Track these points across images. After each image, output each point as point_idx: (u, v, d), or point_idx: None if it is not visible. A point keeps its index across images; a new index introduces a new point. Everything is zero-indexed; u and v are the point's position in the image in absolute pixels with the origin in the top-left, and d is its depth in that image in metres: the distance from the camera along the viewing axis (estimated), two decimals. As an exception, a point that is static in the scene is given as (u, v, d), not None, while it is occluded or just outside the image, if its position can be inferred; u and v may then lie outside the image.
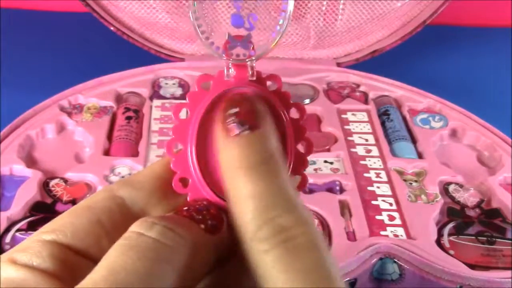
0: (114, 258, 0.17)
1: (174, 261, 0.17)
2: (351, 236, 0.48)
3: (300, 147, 0.22)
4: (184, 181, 0.21)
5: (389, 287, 0.46)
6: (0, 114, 0.65)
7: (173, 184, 0.21)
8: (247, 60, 0.21)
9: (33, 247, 0.18)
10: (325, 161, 0.57)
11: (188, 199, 0.21)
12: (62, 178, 0.53)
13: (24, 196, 0.50)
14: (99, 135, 0.58)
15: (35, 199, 0.50)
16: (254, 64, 0.21)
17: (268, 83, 0.22)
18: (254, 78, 0.21)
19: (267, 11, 0.80)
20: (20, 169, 0.53)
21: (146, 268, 0.16)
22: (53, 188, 0.52)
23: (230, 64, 0.21)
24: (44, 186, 0.52)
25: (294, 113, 0.22)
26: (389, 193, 0.53)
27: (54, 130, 0.60)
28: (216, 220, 0.19)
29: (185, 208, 0.20)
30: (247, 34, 0.21)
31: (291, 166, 0.21)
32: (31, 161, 0.56)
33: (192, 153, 0.21)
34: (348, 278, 0.44)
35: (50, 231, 0.19)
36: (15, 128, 0.58)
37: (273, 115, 0.21)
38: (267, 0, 0.22)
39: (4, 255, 0.18)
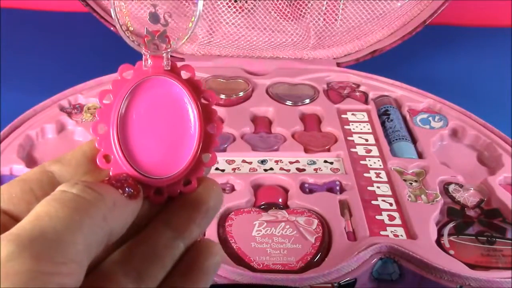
0: (39, 208, 0.19)
1: (92, 213, 0.20)
2: (351, 236, 0.48)
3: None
4: (107, 158, 0.24)
5: (389, 287, 0.46)
6: (0, 114, 0.65)
7: (97, 160, 0.24)
8: (163, 52, 0.24)
9: None
10: (325, 161, 0.57)
11: (110, 173, 0.24)
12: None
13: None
14: (99, 135, 0.58)
15: (35, 199, 0.50)
16: (169, 56, 0.24)
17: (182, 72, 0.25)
18: (169, 68, 0.24)
19: (267, 11, 0.80)
20: (20, 169, 0.53)
21: (67, 215, 0.19)
22: None
23: (148, 55, 0.24)
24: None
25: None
26: (389, 193, 0.53)
27: (54, 130, 0.60)
28: (133, 188, 0.22)
29: (107, 178, 0.23)
30: (163, 29, 0.24)
31: (201, 145, 0.24)
32: (31, 161, 0.56)
33: (114, 132, 0.24)
34: (348, 278, 0.44)
35: None
36: (15, 128, 0.58)
37: (185, 100, 0.24)
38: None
39: None
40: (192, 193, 0.24)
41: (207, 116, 0.24)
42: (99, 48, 0.83)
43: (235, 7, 0.71)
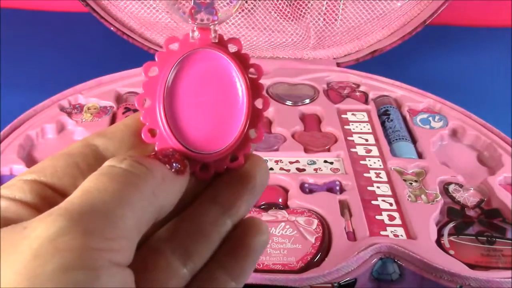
0: (88, 183, 0.19)
1: (142, 187, 0.19)
2: (351, 236, 0.48)
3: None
4: (152, 132, 0.23)
5: (389, 287, 0.46)
6: (0, 114, 0.65)
7: (142, 134, 0.23)
8: (210, 24, 0.23)
9: (16, 184, 0.21)
10: (325, 161, 0.57)
11: (156, 148, 0.23)
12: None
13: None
14: (99, 135, 0.58)
15: (35, 199, 0.50)
16: (217, 28, 0.23)
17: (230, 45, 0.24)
18: (217, 41, 0.24)
19: (267, 11, 0.80)
20: (20, 169, 0.53)
21: (116, 189, 0.19)
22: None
23: (195, 27, 0.23)
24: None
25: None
26: (389, 193, 0.53)
27: (54, 130, 0.60)
28: (180, 164, 0.22)
29: (153, 153, 0.22)
30: (211, 1, 0.23)
31: (248, 120, 0.23)
32: (31, 161, 0.56)
33: (160, 106, 0.23)
34: (348, 278, 0.44)
35: (31, 172, 0.21)
36: (15, 128, 0.58)
37: (233, 74, 0.23)
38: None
39: None
40: (239, 169, 0.23)
41: (254, 90, 0.24)
42: (99, 48, 0.83)
43: (235, 7, 0.71)
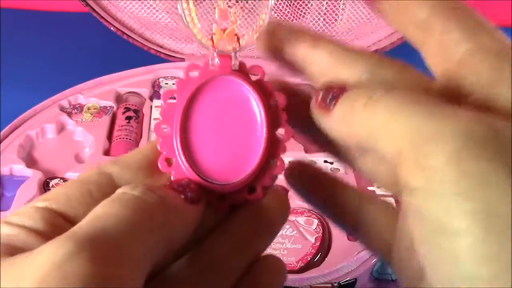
0: (99, 209, 0.19)
1: (153, 215, 0.19)
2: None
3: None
4: (169, 161, 0.22)
5: (389, 287, 0.46)
6: (0, 114, 0.65)
7: (159, 163, 0.22)
8: (231, 51, 0.23)
9: (27, 212, 0.20)
10: (325, 161, 0.57)
11: (172, 177, 0.22)
12: (62, 178, 0.53)
13: (24, 196, 0.50)
14: (99, 135, 0.58)
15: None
16: (237, 55, 0.23)
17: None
18: (237, 68, 0.23)
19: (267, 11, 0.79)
20: (20, 169, 0.53)
21: (127, 215, 0.18)
22: (53, 188, 0.52)
23: (215, 54, 0.23)
24: (44, 186, 0.52)
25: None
26: (389, 193, 0.53)
27: (54, 130, 0.60)
28: (195, 194, 0.21)
29: (168, 183, 0.22)
30: (232, 27, 0.23)
31: (268, 151, 0.23)
32: (31, 161, 0.56)
33: (177, 135, 0.22)
34: (348, 278, 0.44)
35: (44, 199, 0.21)
36: (15, 128, 0.58)
37: (253, 102, 0.23)
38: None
39: (2, 218, 0.20)
40: (257, 202, 0.23)
41: (275, 119, 0.23)
42: (99, 48, 0.83)
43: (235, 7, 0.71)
